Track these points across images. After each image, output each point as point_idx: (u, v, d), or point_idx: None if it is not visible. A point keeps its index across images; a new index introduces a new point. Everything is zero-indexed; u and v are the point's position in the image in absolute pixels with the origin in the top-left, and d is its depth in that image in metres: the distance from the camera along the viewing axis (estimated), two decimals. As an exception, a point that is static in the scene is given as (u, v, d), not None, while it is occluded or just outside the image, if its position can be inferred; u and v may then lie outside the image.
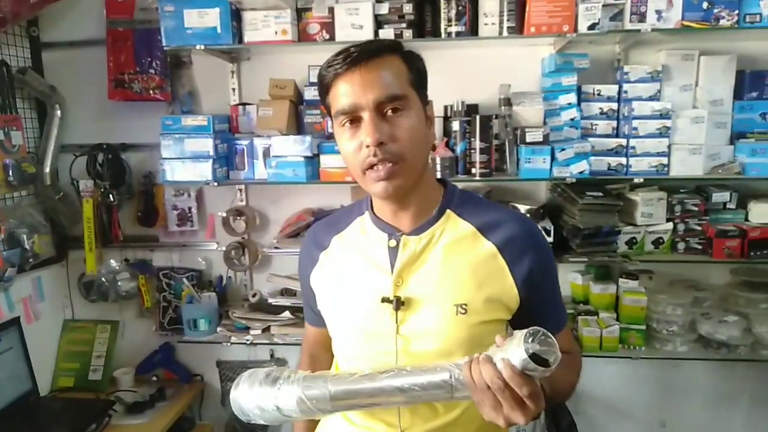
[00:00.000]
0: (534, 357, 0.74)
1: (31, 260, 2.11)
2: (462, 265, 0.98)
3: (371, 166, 0.94)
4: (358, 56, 0.93)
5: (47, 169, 2.18)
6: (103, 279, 2.27)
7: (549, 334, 0.77)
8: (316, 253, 1.11)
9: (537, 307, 1.00)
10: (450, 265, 0.99)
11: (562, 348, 0.96)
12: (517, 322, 1.00)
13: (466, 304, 0.96)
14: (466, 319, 0.96)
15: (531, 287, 0.99)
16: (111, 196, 2.22)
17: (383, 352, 0.99)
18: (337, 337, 1.10)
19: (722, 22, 1.81)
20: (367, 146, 0.92)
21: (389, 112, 0.93)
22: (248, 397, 0.92)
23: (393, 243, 1.01)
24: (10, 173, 1.94)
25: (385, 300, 0.98)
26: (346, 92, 0.93)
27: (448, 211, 1.03)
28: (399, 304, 0.97)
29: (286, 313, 2.14)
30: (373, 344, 1.01)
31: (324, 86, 0.98)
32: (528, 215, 1.96)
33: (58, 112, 2.20)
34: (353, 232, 1.08)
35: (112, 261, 2.30)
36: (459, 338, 0.97)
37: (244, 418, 0.96)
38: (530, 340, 0.75)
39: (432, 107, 1.04)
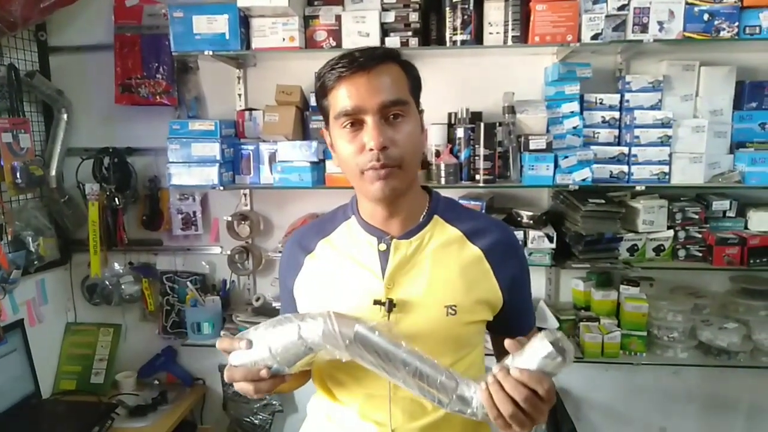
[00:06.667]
0: (555, 345, 0.80)
1: (35, 263, 2.12)
2: (451, 267, 1.02)
3: (371, 168, 0.95)
4: (365, 61, 0.95)
5: (53, 173, 2.19)
6: (107, 282, 2.28)
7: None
8: (300, 258, 1.10)
9: (516, 309, 1.08)
10: (439, 268, 1.01)
11: None
12: (497, 322, 1.07)
13: (455, 306, 0.99)
14: (456, 320, 1.00)
15: (512, 291, 1.05)
16: (116, 199, 2.23)
17: None
18: None
19: (722, 33, 1.85)
20: (371, 150, 0.94)
21: (391, 117, 0.96)
22: (267, 333, 0.91)
23: (383, 247, 1.03)
24: (18, 176, 1.95)
25: (377, 302, 1.00)
26: (349, 95, 0.94)
27: (435, 216, 1.06)
28: (391, 306, 0.99)
29: (290, 318, 2.14)
30: None
31: (324, 87, 0.99)
32: (532, 221, 1.99)
33: (65, 116, 2.22)
34: (340, 235, 1.09)
35: (115, 264, 2.31)
36: (448, 338, 1.00)
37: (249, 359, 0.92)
38: (549, 336, 0.81)
39: (423, 116, 1.05)
